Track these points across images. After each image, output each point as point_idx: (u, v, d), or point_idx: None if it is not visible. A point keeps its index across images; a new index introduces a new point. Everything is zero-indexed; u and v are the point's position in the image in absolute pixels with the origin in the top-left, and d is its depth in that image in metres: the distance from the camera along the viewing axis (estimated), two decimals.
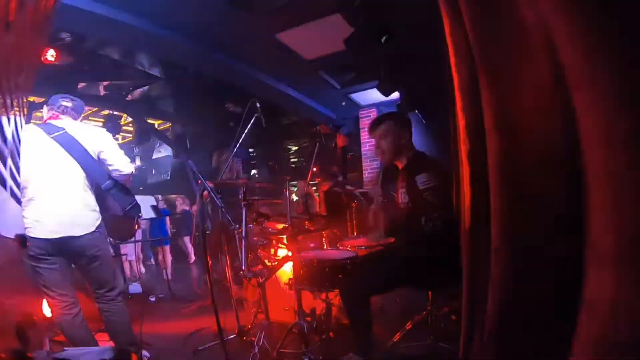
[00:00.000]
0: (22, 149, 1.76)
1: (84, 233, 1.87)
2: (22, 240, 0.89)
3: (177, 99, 4.99)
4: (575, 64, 0.66)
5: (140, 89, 4.70)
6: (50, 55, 2.90)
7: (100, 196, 1.99)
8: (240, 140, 2.53)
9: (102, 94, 4.57)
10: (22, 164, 1.74)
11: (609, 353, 0.63)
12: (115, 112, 5.04)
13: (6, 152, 0.90)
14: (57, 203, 1.83)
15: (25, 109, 1.21)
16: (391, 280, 1.93)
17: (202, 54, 3.65)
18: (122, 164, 2.00)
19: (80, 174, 1.91)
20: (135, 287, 3.93)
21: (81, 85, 4.15)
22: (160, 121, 5.75)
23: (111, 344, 2.07)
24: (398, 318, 2.61)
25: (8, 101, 0.89)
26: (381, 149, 2.03)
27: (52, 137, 1.86)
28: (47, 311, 2.42)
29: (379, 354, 2.11)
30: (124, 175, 2.03)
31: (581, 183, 0.73)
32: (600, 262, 0.69)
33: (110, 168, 1.99)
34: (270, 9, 2.91)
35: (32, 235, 1.77)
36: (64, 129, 1.91)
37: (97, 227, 1.91)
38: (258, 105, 2.44)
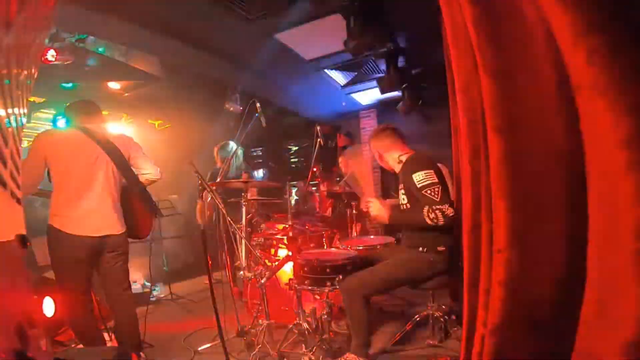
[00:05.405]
0: (63, 150, 1.87)
1: (121, 232, 2.00)
2: (23, 240, 0.89)
3: (177, 99, 4.99)
4: (577, 65, 0.66)
5: (141, 89, 4.69)
6: (50, 55, 2.90)
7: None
8: (241, 141, 2.53)
9: (102, 93, 4.57)
10: (63, 163, 1.86)
11: (614, 352, 0.63)
12: (115, 112, 5.04)
13: (6, 153, 0.90)
14: (100, 202, 1.92)
15: (26, 109, 1.21)
16: (391, 281, 1.93)
17: (202, 54, 3.65)
18: (154, 170, 2.15)
19: (115, 176, 2.01)
20: (135, 287, 3.92)
21: (81, 85, 4.14)
22: (160, 121, 5.75)
23: (114, 343, 2.08)
24: (398, 318, 2.61)
25: (9, 101, 0.89)
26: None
27: (93, 140, 1.96)
28: (47, 311, 2.43)
29: (379, 354, 2.11)
30: (154, 180, 2.16)
31: (584, 183, 0.73)
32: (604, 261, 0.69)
33: (142, 172, 2.11)
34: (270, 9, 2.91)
35: (70, 232, 1.82)
36: (104, 133, 2.03)
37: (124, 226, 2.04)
38: (258, 105, 2.43)
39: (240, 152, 3.84)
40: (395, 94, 4.77)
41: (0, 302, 0.81)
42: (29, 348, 0.83)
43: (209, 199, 2.24)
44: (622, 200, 0.63)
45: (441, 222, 1.72)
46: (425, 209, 1.76)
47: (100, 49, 3.47)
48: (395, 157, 2.05)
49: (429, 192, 1.78)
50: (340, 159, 4.57)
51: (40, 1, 1.12)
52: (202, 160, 4.50)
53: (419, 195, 1.82)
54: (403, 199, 2.00)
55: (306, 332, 2.02)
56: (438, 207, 1.74)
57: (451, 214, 1.71)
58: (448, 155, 2.05)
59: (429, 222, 1.74)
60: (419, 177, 1.82)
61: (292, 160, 7.39)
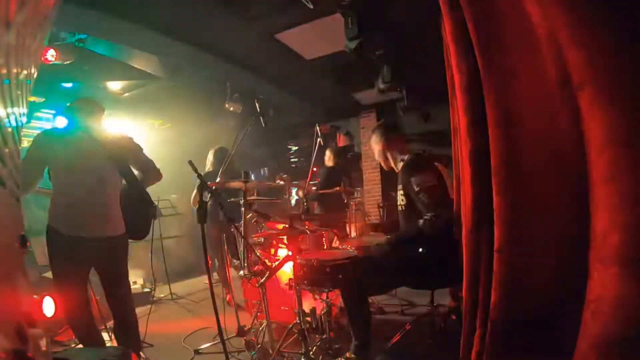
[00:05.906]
0: (64, 149, 1.84)
1: (121, 233, 1.98)
2: (23, 240, 0.88)
3: (177, 99, 4.99)
4: (579, 64, 0.66)
5: (141, 89, 4.69)
6: (50, 55, 2.90)
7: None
8: (240, 141, 2.52)
9: (102, 93, 4.57)
10: (63, 163, 1.84)
11: (613, 350, 0.63)
12: (115, 112, 5.03)
13: (6, 152, 0.89)
14: (100, 203, 1.90)
15: (26, 109, 1.20)
16: (391, 280, 1.93)
17: (203, 54, 3.65)
18: (155, 170, 2.14)
19: (116, 176, 2.00)
20: (135, 287, 3.92)
21: (81, 85, 4.14)
22: (160, 121, 5.74)
23: (114, 343, 2.08)
24: (398, 318, 2.61)
25: (9, 101, 0.89)
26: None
27: (94, 140, 1.94)
28: (47, 311, 2.43)
29: (379, 354, 2.11)
30: (156, 180, 2.16)
31: (584, 183, 0.73)
32: (604, 261, 0.69)
33: (144, 173, 2.10)
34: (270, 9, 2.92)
35: (70, 234, 1.81)
36: (104, 133, 2.01)
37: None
38: (258, 105, 2.43)
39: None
40: (395, 94, 4.77)
41: (0, 302, 0.81)
42: (29, 348, 0.83)
43: (209, 198, 2.23)
44: (622, 199, 0.63)
45: (436, 229, 1.73)
46: (420, 222, 1.78)
47: (100, 49, 3.47)
48: (397, 155, 2.05)
49: (424, 196, 1.79)
50: (326, 153, 4.58)
51: (40, 1, 1.12)
52: (202, 160, 4.51)
53: (415, 198, 1.83)
54: (401, 199, 2.00)
55: (306, 332, 2.02)
56: (431, 214, 1.75)
57: (444, 219, 1.73)
58: (448, 155, 2.05)
59: (424, 230, 1.76)
60: (418, 180, 1.83)
61: (292, 160, 7.40)
